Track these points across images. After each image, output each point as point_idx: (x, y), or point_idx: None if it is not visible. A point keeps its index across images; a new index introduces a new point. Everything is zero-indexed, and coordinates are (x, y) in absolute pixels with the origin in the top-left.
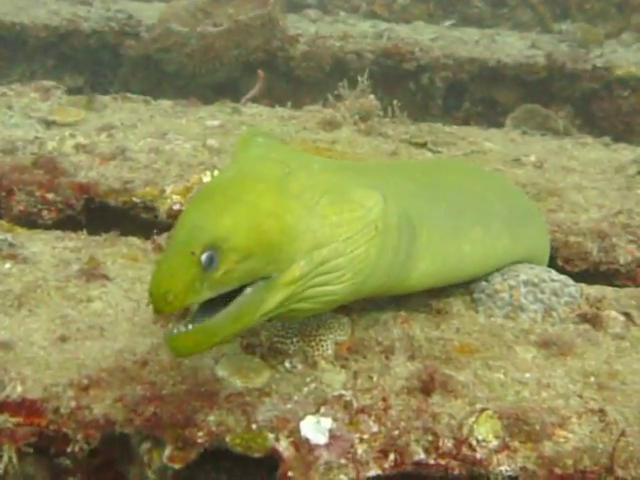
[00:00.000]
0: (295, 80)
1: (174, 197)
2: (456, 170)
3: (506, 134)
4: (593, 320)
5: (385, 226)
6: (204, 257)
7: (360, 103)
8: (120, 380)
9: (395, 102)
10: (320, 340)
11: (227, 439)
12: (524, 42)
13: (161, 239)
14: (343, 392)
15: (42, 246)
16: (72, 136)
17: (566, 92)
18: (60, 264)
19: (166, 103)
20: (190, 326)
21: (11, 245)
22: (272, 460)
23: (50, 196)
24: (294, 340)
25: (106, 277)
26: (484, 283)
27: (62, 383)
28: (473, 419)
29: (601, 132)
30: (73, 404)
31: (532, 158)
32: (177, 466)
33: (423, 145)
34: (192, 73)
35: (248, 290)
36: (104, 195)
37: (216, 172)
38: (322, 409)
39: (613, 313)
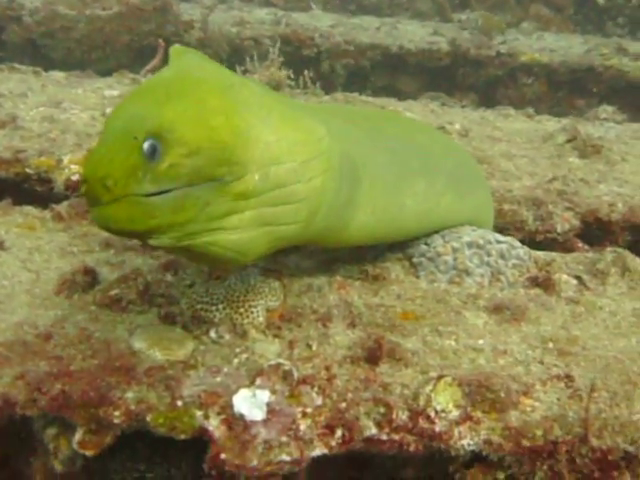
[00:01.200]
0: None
1: (72, 167)
2: (401, 121)
3: (425, 105)
4: (545, 284)
5: (331, 163)
6: (146, 145)
7: (270, 72)
8: (20, 355)
9: (306, 73)
10: (249, 306)
11: (148, 418)
12: (426, 30)
13: (61, 207)
14: (281, 361)
15: None
16: None
17: (470, 79)
18: None
19: (59, 74)
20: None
21: None
22: (199, 443)
23: None
24: (220, 307)
25: (1, 247)
26: (424, 246)
27: None
28: (430, 387)
29: None
30: None
31: (457, 126)
32: (89, 453)
33: None
34: (80, 60)
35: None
36: None
37: None
38: (258, 380)
39: (564, 277)
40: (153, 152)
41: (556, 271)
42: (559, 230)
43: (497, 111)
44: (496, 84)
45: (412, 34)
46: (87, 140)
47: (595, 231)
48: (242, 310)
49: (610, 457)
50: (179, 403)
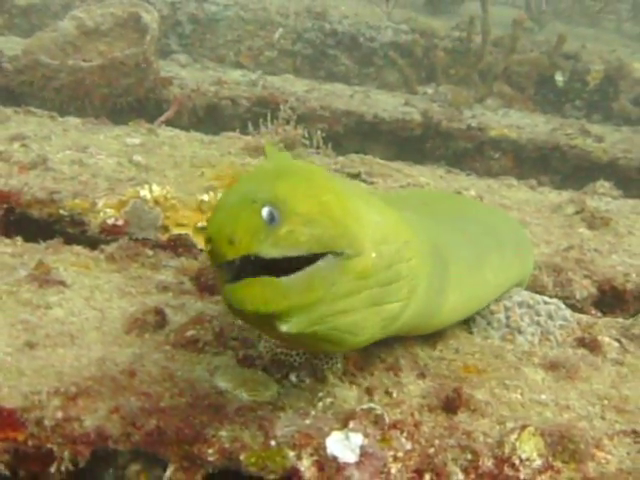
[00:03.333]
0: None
1: (107, 211)
2: (455, 199)
3: (433, 171)
4: (591, 345)
5: (421, 246)
6: (265, 211)
7: (284, 130)
8: (111, 390)
9: (319, 133)
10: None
11: (241, 457)
12: (397, 100)
13: (112, 249)
14: (373, 405)
15: None
16: None
17: (439, 150)
18: (4, 268)
19: (74, 120)
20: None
21: None
22: None
23: None
24: (300, 352)
25: (62, 284)
26: None
27: (44, 391)
28: (515, 436)
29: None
30: (60, 415)
31: (472, 192)
32: None
33: (356, 176)
34: (59, 110)
35: (319, 263)
36: (27, 205)
37: (154, 186)
38: (351, 424)
39: (607, 339)
40: (272, 218)
41: (598, 333)
42: (578, 297)
43: (500, 181)
44: (464, 156)
45: (384, 103)
46: (118, 185)
47: (608, 299)
48: (322, 356)
49: None
50: (272, 443)
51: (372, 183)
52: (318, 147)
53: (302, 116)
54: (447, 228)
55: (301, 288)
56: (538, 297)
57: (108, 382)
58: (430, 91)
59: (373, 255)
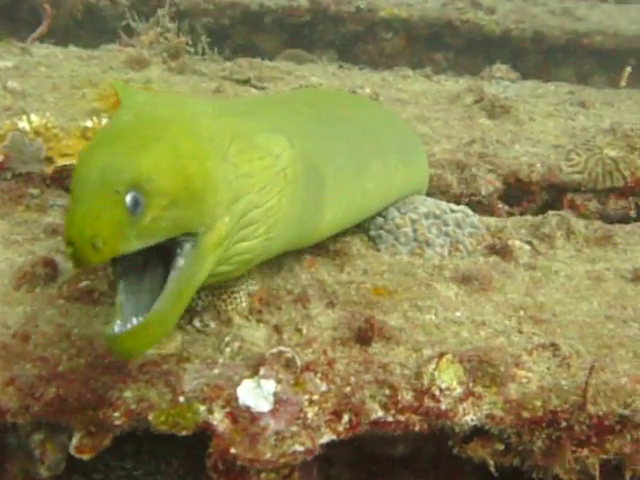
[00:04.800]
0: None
1: None
2: (339, 98)
3: (325, 69)
4: (502, 251)
5: (294, 174)
6: (128, 198)
7: (166, 39)
8: (4, 359)
9: (204, 38)
10: (232, 292)
11: (150, 417)
12: None
13: None
14: (283, 349)
15: None
16: None
17: (329, 35)
18: None
19: None
20: (136, 320)
21: None
22: (188, 439)
23: None
24: (201, 295)
25: None
26: (380, 219)
27: None
28: (433, 366)
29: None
30: None
31: (367, 90)
32: (86, 456)
33: (246, 82)
34: None
35: (180, 263)
36: None
37: (33, 116)
38: (261, 370)
39: (517, 242)
40: (135, 205)
41: (508, 237)
42: (484, 193)
43: (395, 72)
44: (355, 40)
45: None
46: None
47: (515, 192)
48: (225, 297)
49: (606, 422)
50: (181, 399)
51: (263, 88)
52: (204, 53)
53: (185, 11)
54: (326, 135)
55: (175, 302)
56: (444, 205)
57: (0, 350)
58: None
59: (226, 220)
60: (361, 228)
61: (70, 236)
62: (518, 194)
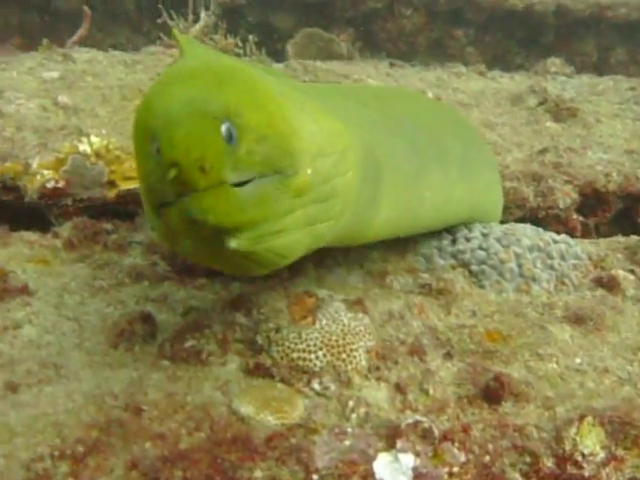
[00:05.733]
0: (52, 13)
1: (45, 172)
2: (408, 97)
3: (376, 68)
4: (608, 285)
5: (353, 157)
6: (224, 128)
7: (212, 40)
8: (121, 438)
9: (251, 38)
10: (351, 350)
11: None
12: None
13: (67, 232)
14: (419, 418)
15: None
16: None
17: (347, 13)
18: None
19: None
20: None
21: None
22: None
23: None
24: (319, 354)
25: (25, 292)
26: (481, 252)
27: (47, 454)
28: (575, 430)
29: (384, 54)
30: None
31: (430, 94)
32: None
33: None
34: None
35: (262, 180)
36: None
37: (93, 138)
38: (398, 443)
39: (621, 272)
40: (230, 136)
41: (611, 266)
42: (561, 206)
43: (448, 69)
44: (374, 17)
45: None
46: (50, 137)
47: (590, 202)
48: (344, 356)
49: None
50: (315, 477)
51: None
52: (252, 53)
53: None
54: (390, 130)
55: (255, 202)
56: (547, 236)
57: (116, 428)
58: None
59: (309, 172)
60: (458, 261)
61: (175, 157)
62: (593, 203)
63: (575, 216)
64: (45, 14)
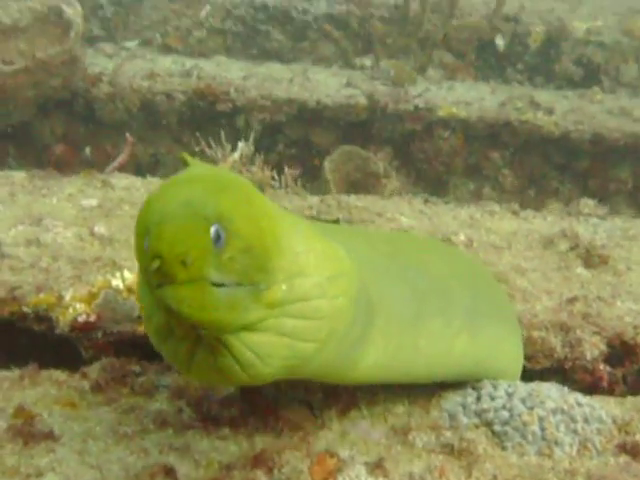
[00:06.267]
0: (96, 122)
1: (77, 306)
2: (420, 243)
3: (410, 203)
4: (632, 451)
5: (351, 285)
6: (213, 230)
7: (249, 171)
8: None
9: (287, 170)
10: None
11: None
12: (337, 79)
13: (95, 373)
14: None
15: None
16: None
17: (386, 133)
18: None
19: (19, 175)
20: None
21: None
22: None
23: None
24: None
25: (50, 437)
26: (505, 413)
27: None
28: None
29: (419, 173)
30: None
31: (462, 237)
32: None
33: (335, 221)
34: None
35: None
36: None
37: (126, 273)
38: None
39: None
40: (218, 238)
41: (635, 431)
42: (589, 357)
43: (481, 208)
44: (412, 138)
45: (325, 86)
46: (84, 269)
47: (617, 352)
48: None
49: None
50: None
51: None
52: (287, 186)
53: (242, 107)
54: (392, 275)
55: (227, 305)
56: (572, 398)
57: None
58: (368, 63)
59: (283, 287)
60: (482, 420)
61: (159, 249)
62: (620, 354)
63: (602, 366)
64: (90, 123)
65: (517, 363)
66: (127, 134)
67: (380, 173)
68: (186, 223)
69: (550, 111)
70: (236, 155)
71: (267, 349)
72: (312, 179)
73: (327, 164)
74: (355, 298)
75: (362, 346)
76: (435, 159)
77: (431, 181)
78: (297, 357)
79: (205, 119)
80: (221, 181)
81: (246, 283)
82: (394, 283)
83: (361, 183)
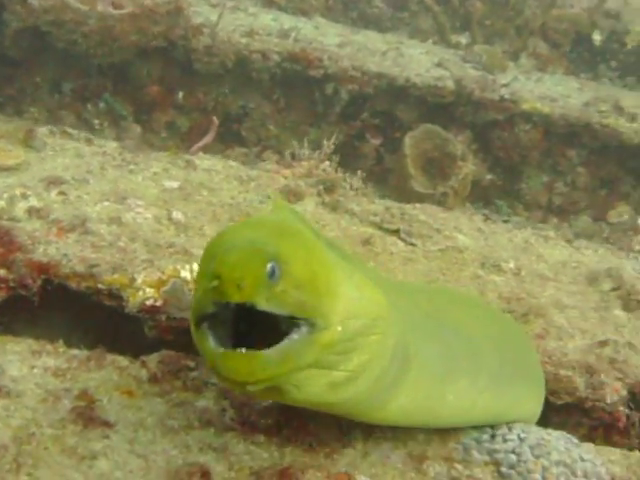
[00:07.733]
0: (192, 72)
1: (147, 290)
2: (459, 302)
3: (471, 219)
4: None
5: (389, 330)
6: (269, 265)
7: (324, 171)
8: None
9: (359, 173)
10: None
11: None
12: (430, 58)
13: (153, 364)
14: None
15: (20, 366)
16: (24, 196)
17: (468, 118)
18: (48, 398)
19: (111, 145)
20: (242, 350)
21: None
22: None
23: (2, 272)
24: None
25: (107, 424)
26: (512, 456)
27: None
28: None
29: (496, 160)
30: None
31: (511, 265)
32: None
33: (395, 232)
34: (85, 53)
35: (294, 335)
36: (65, 278)
37: (195, 266)
38: None
39: None
40: (272, 273)
41: None
42: (608, 401)
43: (537, 232)
44: (493, 126)
45: (417, 63)
46: (157, 253)
47: (637, 397)
48: None
49: None
50: None
51: (411, 244)
52: (357, 187)
53: (333, 75)
54: (429, 333)
55: (277, 361)
56: (576, 453)
57: None
58: (464, 41)
59: (339, 329)
60: (492, 458)
61: (220, 271)
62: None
63: (621, 408)
64: (186, 70)
65: (535, 415)
66: (213, 117)
67: (457, 155)
68: (247, 255)
69: (633, 117)
70: (316, 153)
71: (306, 380)
72: (382, 180)
73: (407, 139)
74: (392, 341)
75: (394, 390)
76: (512, 149)
77: (506, 170)
78: (331, 384)
79: (296, 81)
80: (286, 228)
81: (300, 315)
82: (430, 340)
83: (437, 162)
